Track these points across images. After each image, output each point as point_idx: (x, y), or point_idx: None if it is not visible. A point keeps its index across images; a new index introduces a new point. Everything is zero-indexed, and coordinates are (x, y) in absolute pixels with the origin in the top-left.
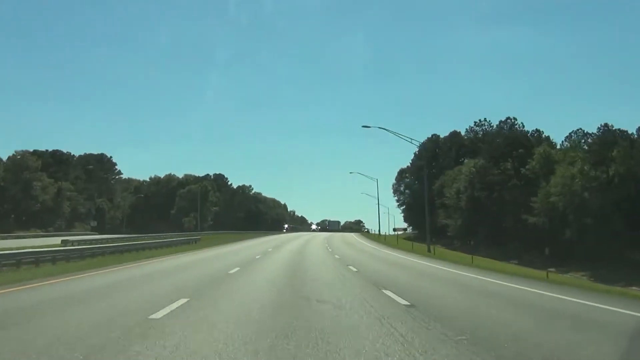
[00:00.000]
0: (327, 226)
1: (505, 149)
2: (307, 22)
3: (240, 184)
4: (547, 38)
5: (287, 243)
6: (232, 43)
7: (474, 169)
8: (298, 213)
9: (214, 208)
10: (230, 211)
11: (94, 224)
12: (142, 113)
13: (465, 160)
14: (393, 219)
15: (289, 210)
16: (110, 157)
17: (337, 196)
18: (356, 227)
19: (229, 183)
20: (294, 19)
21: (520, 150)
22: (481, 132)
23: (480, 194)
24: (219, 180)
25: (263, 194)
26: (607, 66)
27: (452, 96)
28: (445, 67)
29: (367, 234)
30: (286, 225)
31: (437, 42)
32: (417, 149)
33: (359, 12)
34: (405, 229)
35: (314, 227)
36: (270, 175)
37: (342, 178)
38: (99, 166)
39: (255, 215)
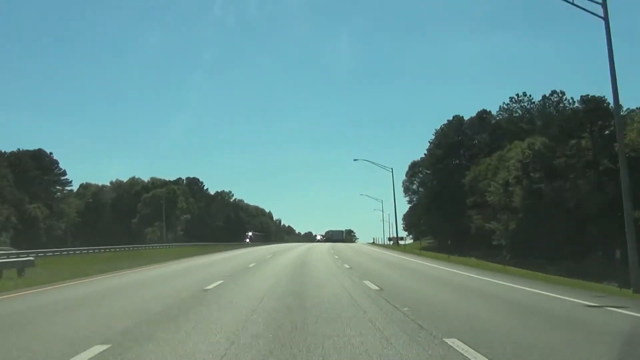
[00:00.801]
0: (331, 236)
1: (584, 118)
2: (294, 29)
3: (219, 190)
4: (531, 43)
5: (247, 274)
6: (217, 47)
7: (529, 152)
8: (285, 222)
9: (185, 216)
10: (206, 219)
11: (10, 234)
12: (115, 117)
13: (498, 151)
14: (394, 226)
15: (274, 219)
16: (51, 153)
17: (325, 205)
18: (347, 237)
19: (205, 188)
20: (280, 25)
21: (599, 123)
22: (520, 110)
23: (542, 186)
24: (193, 185)
25: (245, 201)
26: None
27: (442, 103)
28: (432, 74)
29: (380, 244)
30: (250, 234)
31: (425, 49)
32: (434, 135)
33: (347, 20)
34: (402, 238)
35: (319, 237)
36: (253, 182)
37: (331, 186)
38: (35, 165)
39: (236, 224)
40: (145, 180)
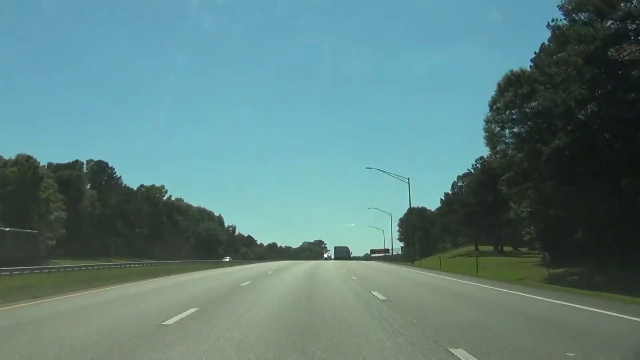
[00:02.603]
0: (335, 253)
1: None
2: (255, 41)
3: (147, 185)
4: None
5: None
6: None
7: None
8: (242, 231)
9: (54, 214)
10: (117, 224)
11: None
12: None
13: None
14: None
15: (226, 225)
16: None
17: (293, 215)
18: (317, 248)
19: (117, 177)
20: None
21: None
22: None
23: None
24: (99, 171)
25: (186, 201)
26: None
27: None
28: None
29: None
30: None
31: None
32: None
33: (319, 35)
34: (387, 251)
35: (326, 255)
36: (200, 182)
37: (299, 195)
38: None
39: (170, 231)
40: (7, 158)
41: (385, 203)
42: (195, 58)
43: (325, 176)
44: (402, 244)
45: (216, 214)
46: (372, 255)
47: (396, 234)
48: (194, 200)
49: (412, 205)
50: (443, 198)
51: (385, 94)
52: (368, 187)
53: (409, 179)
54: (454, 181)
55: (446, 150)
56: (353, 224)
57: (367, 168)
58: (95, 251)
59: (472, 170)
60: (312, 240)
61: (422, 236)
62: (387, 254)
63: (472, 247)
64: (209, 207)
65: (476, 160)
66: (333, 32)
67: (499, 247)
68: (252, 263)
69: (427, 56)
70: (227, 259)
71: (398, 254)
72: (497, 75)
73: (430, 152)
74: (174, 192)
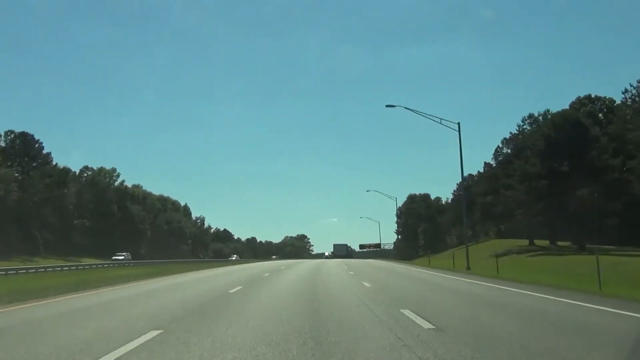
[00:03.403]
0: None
1: None
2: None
3: (92, 167)
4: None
5: None
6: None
7: None
8: (218, 225)
9: None
10: (49, 211)
11: None
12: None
13: None
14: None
15: (193, 217)
16: None
17: (275, 206)
18: (299, 243)
19: (46, 153)
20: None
21: None
22: None
23: None
24: (21, 145)
25: (144, 188)
26: None
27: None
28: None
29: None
30: None
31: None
32: None
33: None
34: (378, 245)
35: (327, 253)
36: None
37: (285, 186)
38: None
39: (122, 222)
40: None
41: (374, 199)
42: (177, 53)
43: (309, 169)
44: (398, 237)
45: (181, 203)
46: (361, 250)
47: (394, 226)
48: (163, 192)
49: (414, 193)
50: (484, 168)
51: (373, 90)
52: (358, 181)
53: (459, 123)
54: (498, 146)
55: (438, 147)
56: (335, 219)
57: (386, 105)
58: (14, 247)
59: (518, 133)
60: (294, 235)
61: (429, 227)
62: (378, 249)
63: (516, 242)
64: (178, 198)
65: (524, 120)
66: (321, 29)
67: (580, 244)
68: (212, 267)
69: (416, 52)
70: (123, 255)
71: (390, 249)
72: (486, 71)
73: (422, 150)
74: (133, 180)
